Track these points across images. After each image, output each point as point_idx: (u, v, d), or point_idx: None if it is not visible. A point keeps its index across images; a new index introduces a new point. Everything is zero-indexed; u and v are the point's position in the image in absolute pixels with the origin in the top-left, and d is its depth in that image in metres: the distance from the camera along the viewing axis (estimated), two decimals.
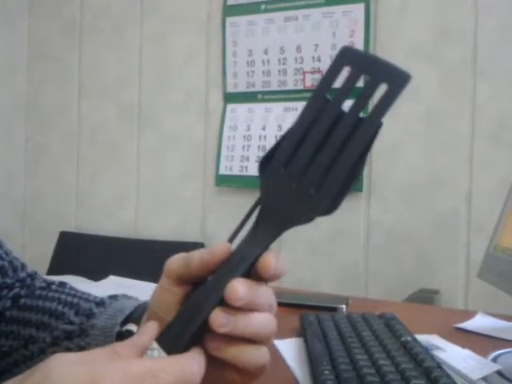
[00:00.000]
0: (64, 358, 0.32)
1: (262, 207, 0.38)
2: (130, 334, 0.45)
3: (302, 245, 1.67)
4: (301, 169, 0.38)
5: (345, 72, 0.38)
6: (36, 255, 2.15)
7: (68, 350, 0.48)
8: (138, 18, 2.02)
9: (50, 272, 1.98)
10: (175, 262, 0.40)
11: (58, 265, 2.01)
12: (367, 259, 1.64)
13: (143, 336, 0.35)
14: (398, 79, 0.37)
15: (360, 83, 0.38)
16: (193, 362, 0.33)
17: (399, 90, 0.37)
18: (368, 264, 1.64)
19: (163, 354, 0.35)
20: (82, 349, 0.48)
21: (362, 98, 0.37)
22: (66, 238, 2.09)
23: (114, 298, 0.52)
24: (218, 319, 0.35)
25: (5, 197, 2.21)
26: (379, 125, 0.37)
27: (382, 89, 0.37)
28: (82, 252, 2.03)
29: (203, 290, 0.37)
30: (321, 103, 0.39)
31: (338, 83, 0.38)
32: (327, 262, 1.67)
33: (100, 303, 0.51)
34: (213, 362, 0.36)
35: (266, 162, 0.39)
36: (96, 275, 1.71)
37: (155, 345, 0.35)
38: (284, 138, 0.39)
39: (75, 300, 0.52)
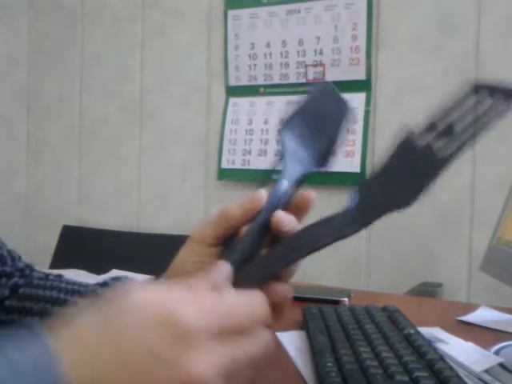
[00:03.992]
0: (141, 290, 0.33)
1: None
2: None
3: None
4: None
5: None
6: (38, 248, 2.16)
7: None
8: (139, 11, 2.02)
9: (53, 265, 1.99)
10: (208, 225, 0.44)
11: (61, 258, 2.02)
12: (369, 252, 1.64)
13: (216, 274, 0.37)
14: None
15: None
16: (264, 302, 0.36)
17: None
18: (370, 257, 1.64)
19: None
20: None
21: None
22: (68, 231, 2.09)
23: (116, 279, 0.52)
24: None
25: (7, 190, 2.21)
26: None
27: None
28: (85, 245, 2.03)
29: (289, 241, 0.41)
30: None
31: None
32: (329, 255, 1.67)
33: (103, 284, 0.51)
34: None
35: None
36: (98, 269, 1.71)
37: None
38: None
39: (75, 287, 0.52)
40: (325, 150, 0.48)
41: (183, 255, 0.44)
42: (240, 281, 0.38)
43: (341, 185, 1.62)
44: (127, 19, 2.04)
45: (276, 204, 0.43)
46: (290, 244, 0.40)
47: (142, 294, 0.32)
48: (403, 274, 1.58)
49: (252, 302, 0.35)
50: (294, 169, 0.46)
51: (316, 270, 1.70)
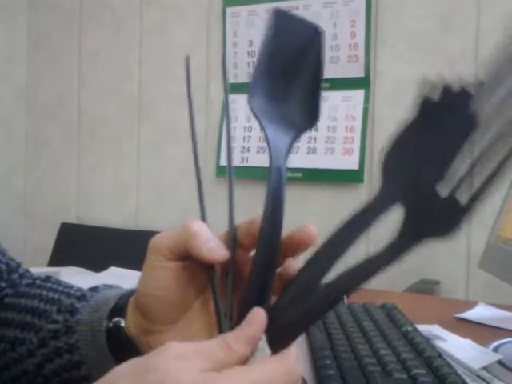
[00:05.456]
0: (175, 349, 0.31)
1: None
2: (117, 328, 0.44)
3: None
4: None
5: None
6: (37, 246, 2.16)
7: (57, 349, 0.47)
8: (138, 9, 2.01)
9: (51, 263, 1.99)
10: (169, 237, 0.40)
11: (59, 256, 2.02)
12: (368, 249, 1.64)
13: (253, 326, 0.34)
14: None
15: None
16: (297, 365, 0.34)
17: None
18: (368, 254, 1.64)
19: (267, 346, 0.34)
20: (71, 346, 0.46)
21: None
22: (66, 229, 2.09)
23: (94, 289, 0.50)
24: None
25: (5, 189, 2.21)
26: None
27: None
28: (83, 243, 2.03)
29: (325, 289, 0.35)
30: None
31: None
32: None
33: (81, 297, 0.49)
34: None
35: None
36: (97, 266, 1.71)
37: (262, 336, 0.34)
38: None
39: (56, 296, 0.50)
40: (308, 98, 0.41)
41: (143, 271, 0.41)
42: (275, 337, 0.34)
43: (339, 182, 1.62)
44: (126, 17, 2.04)
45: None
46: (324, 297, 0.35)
47: (183, 373, 0.30)
48: (401, 271, 1.58)
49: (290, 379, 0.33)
50: (280, 141, 0.40)
51: None
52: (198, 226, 0.40)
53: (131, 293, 0.45)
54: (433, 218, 0.34)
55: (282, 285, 0.38)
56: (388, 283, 1.62)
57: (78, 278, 1.53)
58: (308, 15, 1.65)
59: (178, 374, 0.30)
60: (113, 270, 1.55)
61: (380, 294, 1.04)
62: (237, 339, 0.33)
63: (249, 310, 0.35)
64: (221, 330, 0.37)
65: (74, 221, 2.13)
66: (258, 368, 0.32)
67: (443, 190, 0.34)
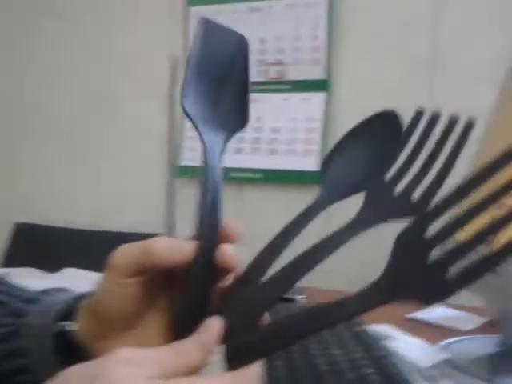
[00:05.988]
0: (125, 354, 0.30)
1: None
2: (66, 332, 0.44)
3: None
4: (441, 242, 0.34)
5: None
6: None
7: (4, 352, 0.45)
8: (100, 6, 1.98)
9: (6, 264, 1.93)
10: (127, 255, 0.39)
11: (13, 257, 1.96)
12: None
13: (207, 335, 0.33)
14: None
15: None
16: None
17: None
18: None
19: (221, 361, 0.33)
20: (19, 350, 0.45)
21: None
22: (21, 229, 2.04)
23: (45, 292, 0.50)
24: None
25: None
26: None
27: None
28: (39, 244, 1.98)
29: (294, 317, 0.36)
30: None
31: None
32: (290, 254, 1.68)
33: (31, 300, 0.48)
34: None
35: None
36: (54, 267, 1.68)
37: (219, 348, 0.33)
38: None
39: (5, 298, 0.49)
40: (238, 101, 0.43)
41: (102, 285, 0.40)
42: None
43: (300, 183, 1.63)
44: (86, 13, 2.00)
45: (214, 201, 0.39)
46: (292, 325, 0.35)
47: (122, 368, 0.30)
48: (362, 272, 1.60)
49: None
50: (214, 141, 0.41)
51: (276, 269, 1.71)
52: (159, 239, 0.39)
53: (83, 296, 0.45)
54: (418, 283, 0.33)
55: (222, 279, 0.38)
56: (348, 284, 1.64)
57: (31, 279, 1.49)
58: (271, 17, 1.66)
59: (125, 380, 0.29)
60: (67, 271, 1.52)
61: (337, 295, 1.05)
62: (189, 347, 0.32)
63: (189, 311, 0.35)
64: (174, 337, 0.37)
65: (29, 220, 2.08)
66: (211, 380, 0.31)
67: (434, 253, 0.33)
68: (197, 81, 0.41)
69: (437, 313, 0.87)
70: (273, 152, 1.65)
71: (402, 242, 0.34)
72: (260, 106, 1.67)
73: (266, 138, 1.66)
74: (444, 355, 0.62)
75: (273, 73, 1.66)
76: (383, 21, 1.58)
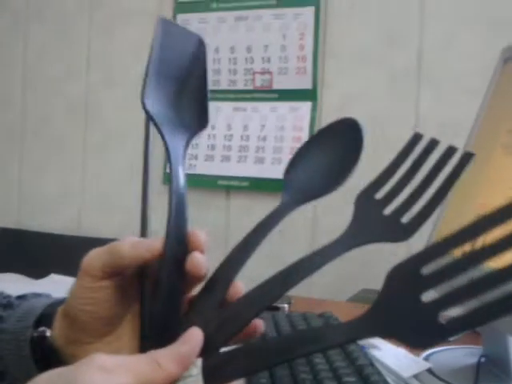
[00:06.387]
0: (100, 361, 0.30)
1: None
2: (42, 338, 0.43)
3: None
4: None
5: None
6: None
7: None
8: (87, 10, 1.98)
9: None
10: (97, 258, 0.39)
11: None
12: None
13: (186, 346, 0.33)
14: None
15: None
16: None
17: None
18: None
19: (201, 375, 0.32)
20: None
21: None
22: (6, 234, 2.02)
23: (22, 297, 0.49)
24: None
25: None
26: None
27: None
28: (24, 249, 1.96)
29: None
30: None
31: None
32: (274, 262, 1.68)
33: (8, 305, 0.47)
34: None
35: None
36: (38, 273, 1.66)
37: (197, 361, 0.32)
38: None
39: None
40: (197, 102, 0.43)
41: (74, 290, 0.41)
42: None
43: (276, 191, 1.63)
44: (74, 18, 2.00)
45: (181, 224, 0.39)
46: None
47: (99, 375, 0.29)
48: (346, 280, 1.60)
49: None
50: (177, 143, 0.42)
51: (262, 277, 1.71)
52: (128, 239, 0.39)
53: (60, 302, 0.44)
54: (407, 324, 0.31)
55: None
56: (333, 292, 1.64)
57: (15, 285, 1.48)
58: (258, 26, 1.67)
59: (91, 377, 0.29)
60: (53, 277, 1.51)
61: (322, 303, 1.05)
62: (166, 357, 0.32)
63: (159, 321, 0.35)
64: (143, 348, 0.36)
65: (14, 226, 2.06)
66: None
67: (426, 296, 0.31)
68: (157, 81, 0.41)
69: None
70: (260, 160, 1.66)
71: (396, 275, 0.33)
72: (247, 114, 1.67)
73: (253, 146, 1.66)
74: (426, 365, 0.62)
75: (260, 82, 1.67)
76: (369, 31, 1.59)
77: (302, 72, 1.61)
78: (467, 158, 0.38)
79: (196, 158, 1.74)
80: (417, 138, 0.42)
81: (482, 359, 0.62)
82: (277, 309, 0.89)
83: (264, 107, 1.66)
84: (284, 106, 1.63)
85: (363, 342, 0.68)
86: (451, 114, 1.49)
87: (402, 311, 0.31)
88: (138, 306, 0.41)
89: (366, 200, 0.41)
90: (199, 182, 1.72)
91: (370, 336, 0.33)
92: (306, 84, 1.61)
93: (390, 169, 0.42)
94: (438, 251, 0.32)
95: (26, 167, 2.08)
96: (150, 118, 0.40)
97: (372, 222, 0.39)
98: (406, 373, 0.58)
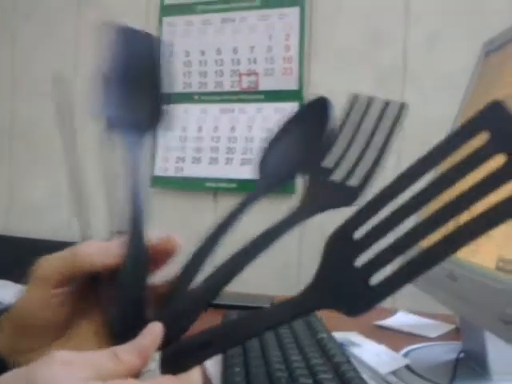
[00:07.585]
0: (61, 356, 0.30)
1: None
2: None
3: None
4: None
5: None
6: None
7: None
8: (75, 13, 1.98)
9: None
10: (54, 263, 0.39)
11: None
12: (300, 260, 1.66)
13: (146, 339, 0.33)
14: None
15: None
16: None
17: None
18: (301, 265, 1.66)
19: (158, 368, 0.32)
20: None
21: None
22: None
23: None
24: None
25: None
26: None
27: None
28: (12, 255, 1.95)
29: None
30: None
31: None
32: (260, 263, 1.68)
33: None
34: None
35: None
36: (27, 280, 1.65)
37: (155, 355, 0.33)
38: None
39: None
40: (152, 99, 0.44)
41: (26, 297, 0.40)
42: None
43: (273, 193, 1.63)
44: (62, 19, 1.99)
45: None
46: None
47: (61, 371, 0.29)
48: None
49: None
50: (134, 143, 0.43)
51: (249, 278, 1.71)
52: (86, 244, 0.39)
53: (5, 309, 0.43)
54: (342, 292, 0.32)
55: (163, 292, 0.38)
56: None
57: (3, 291, 1.46)
58: (243, 27, 1.67)
59: (61, 381, 0.29)
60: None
61: None
62: (127, 350, 0.32)
63: (125, 326, 0.35)
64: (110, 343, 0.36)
65: (3, 232, 2.05)
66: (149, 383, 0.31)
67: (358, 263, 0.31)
68: (107, 83, 0.43)
69: (404, 320, 0.87)
70: (247, 162, 1.66)
71: (332, 243, 0.32)
72: (233, 115, 1.67)
73: (240, 147, 1.66)
74: (404, 361, 0.62)
75: (246, 83, 1.67)
76: (355, 31, 1.60)
77: (289, 73, 1.62)
78: (402, 108, 0.38)
79: (183, 160, 1.73)
80: (354, 99, 0.42)
81: (461, 355, 0.62)
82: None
83: (250, 108, 1.66)
84: (270, 107, 1.63)
85: (342, 340, 0.68)
86: (436, 112, 1.49)
87: (339, 279, 0.31)
88: (93, 305, 0.40)
89: (315, 170, 0.41)
90: (187, 184, 1.72)
91: (314, 309, 0.33)
92: (293, 85, 1.61)
93: (331, 135, 0.42)
94: (365, 214, 0.32)
95: (14, 171, 2.07)
96: (102, 119, 0.42)
97: (320, 191, 0.39)
98: (385, 369, 0.58)
